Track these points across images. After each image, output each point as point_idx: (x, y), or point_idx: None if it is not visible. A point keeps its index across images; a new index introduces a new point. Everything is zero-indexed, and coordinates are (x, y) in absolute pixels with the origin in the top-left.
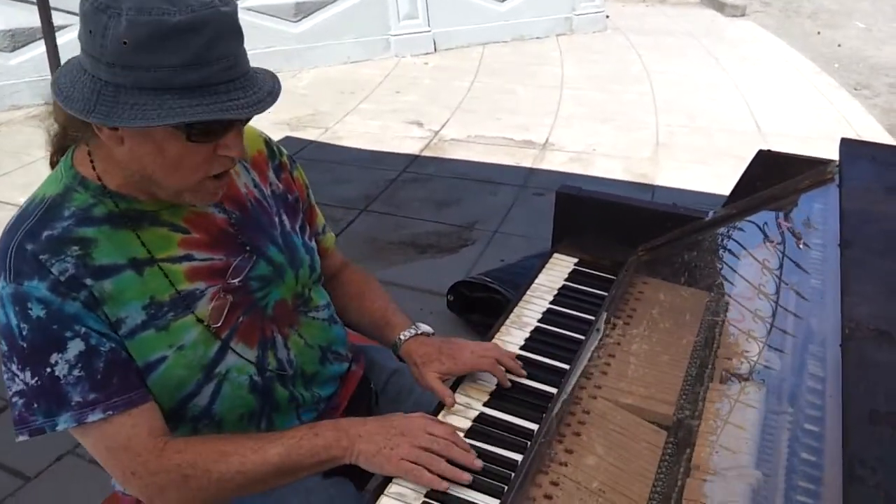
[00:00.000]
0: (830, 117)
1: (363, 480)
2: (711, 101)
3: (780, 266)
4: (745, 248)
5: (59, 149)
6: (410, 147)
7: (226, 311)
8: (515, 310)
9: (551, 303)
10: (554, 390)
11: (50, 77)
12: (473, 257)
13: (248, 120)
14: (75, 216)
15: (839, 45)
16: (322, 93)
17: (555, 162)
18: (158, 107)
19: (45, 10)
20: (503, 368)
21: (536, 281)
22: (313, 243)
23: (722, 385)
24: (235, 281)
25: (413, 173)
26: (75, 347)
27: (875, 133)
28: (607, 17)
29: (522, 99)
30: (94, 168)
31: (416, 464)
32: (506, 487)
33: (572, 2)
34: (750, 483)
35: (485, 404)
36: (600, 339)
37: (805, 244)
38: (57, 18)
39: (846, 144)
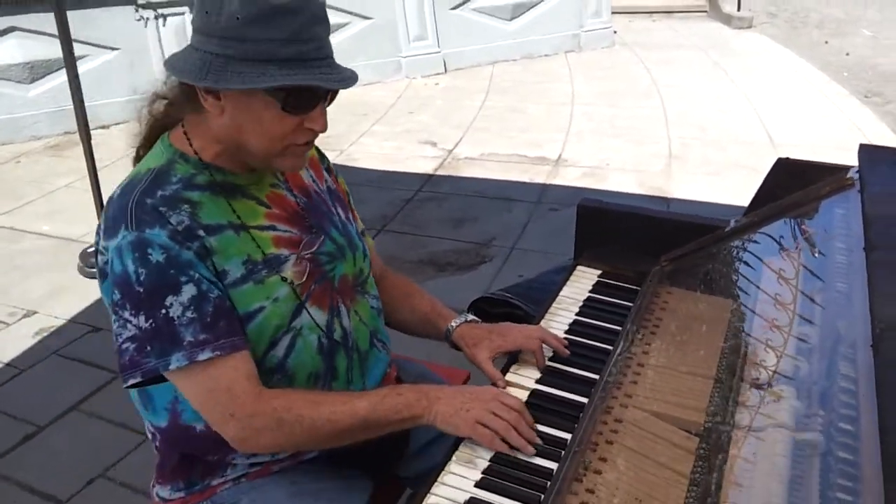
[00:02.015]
0: (842, 126)
1: (380, 476)
2: (722, 112)
3: (805, 272)
4: (767, 256)
5: (149, 138)
6: (425, 167)
7: (307, 273)
8: (543, 322)
9: (577, 314)
10: (585, 400)
11: (69, 107)
12: (492, 274)
13: (331, 99)
14: (181, 181)
15: (847, 54)
16: (335, 115)
17: (568, 177)
18: (262, 74)
19: (66, 42)
20: (543, 351)
21: (562, 293)
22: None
23: (752, 390)
24: (308, 253)
25: (428, 192)
26: (189, 291)
27: (888, 139)
28: (615, 32)
29: (533, 116)
30: (190, 144)
31: (487, 428)
32: (542, 496)
33: (580, 19)
34: (786, 483)
35: None
36: (629, 349)
37: (827, 250)
38: (76, 49)
39: (865, 150)
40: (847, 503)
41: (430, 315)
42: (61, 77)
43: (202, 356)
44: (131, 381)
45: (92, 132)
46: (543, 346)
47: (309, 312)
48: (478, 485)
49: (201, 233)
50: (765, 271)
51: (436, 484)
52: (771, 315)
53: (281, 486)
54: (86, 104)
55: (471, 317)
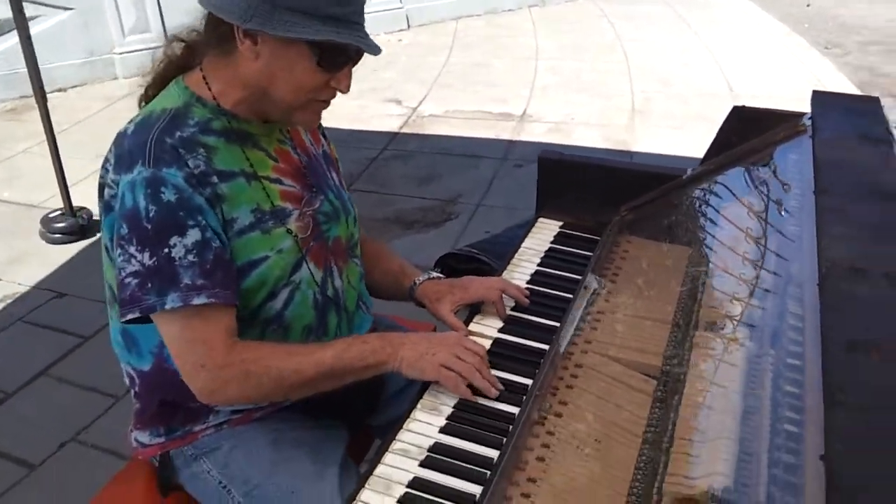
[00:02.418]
0: (802, 77)
1: (357, 426)
2: (684, 66)
3: (758, 217)
4: (723, 203)
5: (162, 79)
6: (390, 125)
7: (310, 228)
8: (504, 273)
9: (539, 265)
10: (546, 347)
11: (23, 70)
12: (458, 230)
13: (355, 64)
14: (199, 125)
15: (808, 6)
16: None
17: (534, 133)
18: (307, 26)
19: (16, 1)
20: (504, 303)
21: (524, 245)
22: None
23: (707, 332)
24: (309, 210)
25: (394, 150)
26: (193, 235)
27: (847, 90)
28: None
29: (498, 72)
30: (209, 89)
31: (452, 370)
32: (504, 439)
33: None
34: (737, 417)
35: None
36: (588, 297)
37: (780, 195)
38: (28, 9)
39: (818, 97)
40: (793, 434)
41: (398, 275)
42: (13, 39)
43: (197, 300)
44: (129, 317)
45: (49, 95)
46: (504, 296)
47: (308, 267)
48: (442, 430)
49: (214, 179)
50: (720, 218)
51: (401, 431)
52: (726, 260)
53: (261, 433)
54: (40, 67)
55: (434, 273)
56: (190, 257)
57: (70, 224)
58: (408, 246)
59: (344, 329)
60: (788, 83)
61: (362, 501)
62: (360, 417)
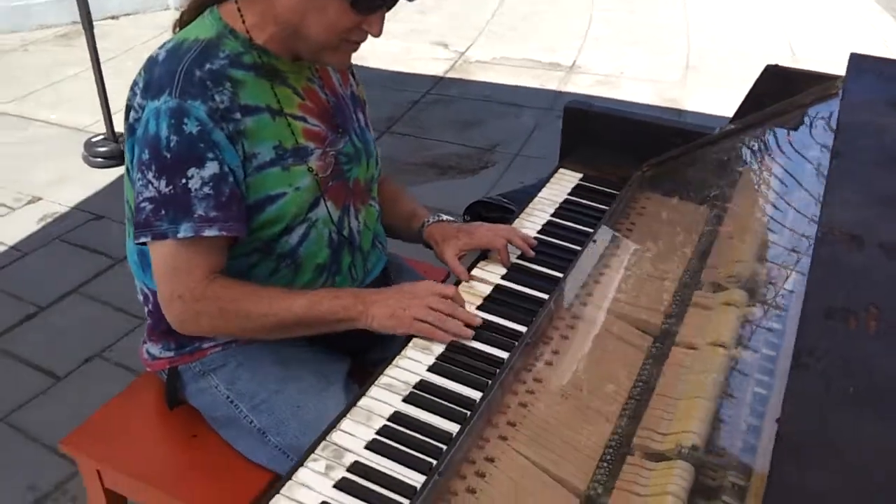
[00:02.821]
0: (871, 42)
1: (357, 357)
2: (746, 25)
3: (778, 179)
4: (745, 163)
5: (197, 7)
6: (435, 69)
7: (331, 167)
8: (516, 222)
9: (552, 215)
10: (546, 296)
11: None
12: (493, 179)
13: (388, 9)
14: (229, 58)
15: None
16: None
17: (581, 85)
18: None
19: None
20: (508, 250)
21: (540, 195)
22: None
23: (708, 293)
24: (332, 150)
25: (436, 95)
26: (212, 168)
27: None
28: None
29: (551, 20)
30: (243, 22)
31: (426, 322)
32: (489, 381)
33: None
34: (718, 378)
35: (478, 307)
36: (597, 250)
37: (802, 158)
38: None
39: (855, 59)
40: (762, 397)
41: (409, 216)
42: None
43: (208, 232)
44: (142, 240)
45: (100, 22)
46: (511, 246)
47: (326, 206)
48: (430, 369)
49: (238, 115)
50: (741, 178)
51: (390, 366)
52: (740, 221)
53: (267, 353)
54: None
55: (444, 216)
56: (206, 189)
57: (111, 149)
58: (440, 191)
59: (358, 268)
60: (856, 48)
61: (343, 430)
62: (361, 351)
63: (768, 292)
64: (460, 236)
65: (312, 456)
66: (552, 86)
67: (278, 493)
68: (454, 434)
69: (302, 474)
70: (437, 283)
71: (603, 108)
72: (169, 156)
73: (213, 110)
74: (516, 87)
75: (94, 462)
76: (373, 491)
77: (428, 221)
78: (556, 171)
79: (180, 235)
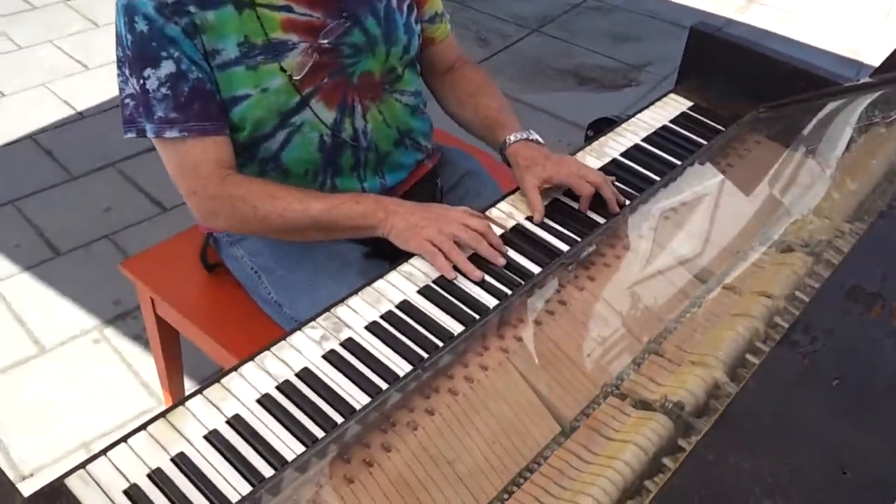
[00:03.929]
0: None
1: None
2: None
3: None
4: (868, 120)
5: None
6: None
7: (308, 67)
8: (602, 139)
9: (643, 140)
10: (603, 220)
11: None
12: (632, 100)
13: None
14: None
15: None
16: None
17: (758, 17)
18: None
19: None
20: (590, 200)
21: (638, 116)
22: (418, 27)
23: (772, 252)
24: (327, 42)
25: (598, 2)
26: (167, 68)
27: None
28: None
29: None
30: None
31: (435, 247)
32: (477, 317)
33: None
34: (735, 341)
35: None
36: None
37: None
38: None
39: None
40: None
41: (493, 120)
42: None
43: (169, 134)
44: (129, 135)
45: None
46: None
47: (313, 109)
48: (420, 292)
49: (192, 8)
50: (861, 138)
51: (416, 257)
52: (839, 186)
53: None
54: None
55: (534, 135)
56: (163, 90)
57: None
58: (574, 102)
59: (368, 170)
60: None
61: (349, 306)
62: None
63: (830, 261)
64: (547, 167)
65: (312, 324)
66: (726, 13)
67: (268, 349)
68: (455, 333)
69: (296, 338)
70: (470, 213)
71: (730, 37)
72: (130, 54)
73: (162, 5)
74: (686, 6)
75: (149, 289)
76: (356, 369)
77: (513, 139)
78: (665, 94)
79: (149, 135)
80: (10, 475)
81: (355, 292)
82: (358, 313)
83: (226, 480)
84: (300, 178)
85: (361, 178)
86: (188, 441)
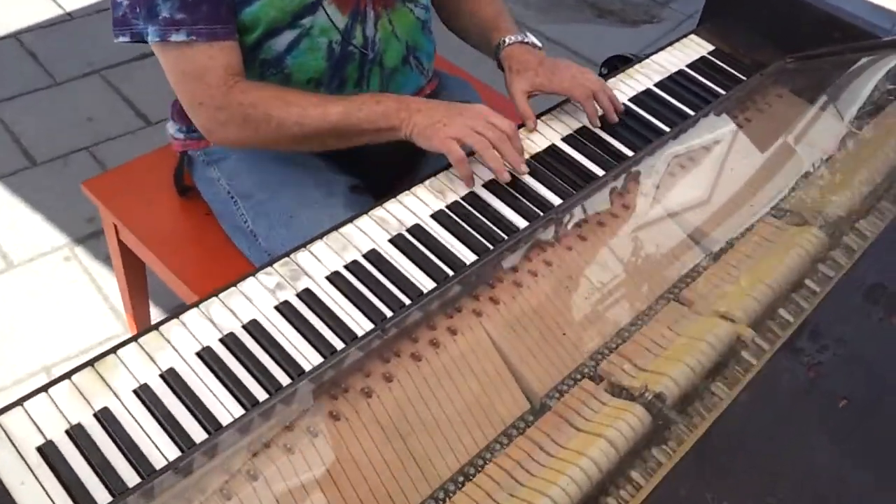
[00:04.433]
0: None
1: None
2: None
3: None
4: None
5: None
6: None
7: None
8: (611, 81)
9: (656, 84)
10: (601, 172)
11: None
12: (651, 37)
13: None
14: None
15: None
16: None
17: None
18: None
19: None
20: (595, 105)
21: (653, 57)
22: None
23: (781, 221)
24: None
25: None
26: None
27: None
28: None
29: None
30: None
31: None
32: (491, 247)
33: None
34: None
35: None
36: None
37: None
38: None
39: None
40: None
41: (489, 23)
42: None
43: (175, 37)
44: (121, 39)
45: None
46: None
47: (326, 11)
48: (434, 215)
49: None
50: (891, 100)
51: (391, 201)
52: (863, 154)
53: (270, 152)
54: None
55: (531, 38)
56: None
57: None
58: (591, 34)
59: (372, 86)
60: None
61: (311, 252)
62: (383, 181)
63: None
64: (539, 72)
65: (268, 269)
66: None
67: (216, 295)
68: (425, 291)
69: (248, 285)
70: (495, 112)
71: None
72: None
73: None
74: None
75: (111, 213)
76: (309, 324)
77: (507, 41)
78: (685, 35)
79: (149, 40)
80: None
81: (320, 237)
82: (320, 261)
83: (152, 442)
84: (301, 87)
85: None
86: (115, 395)
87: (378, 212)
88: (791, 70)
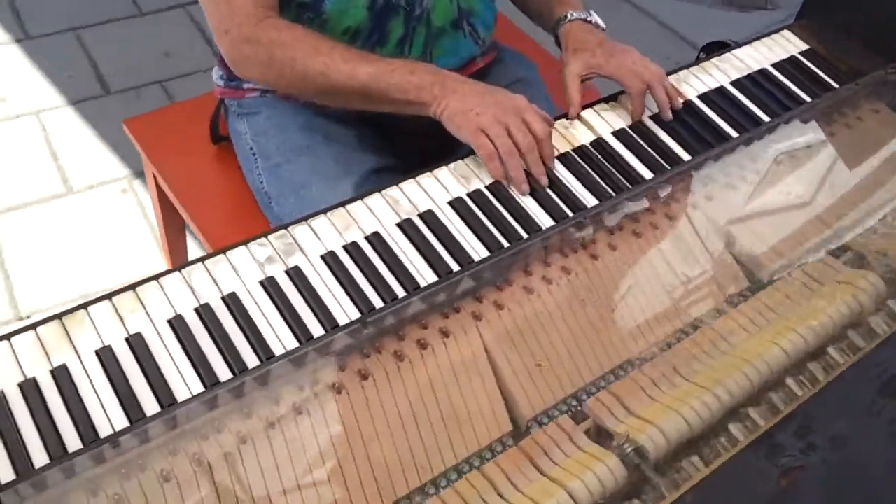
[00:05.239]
0: None
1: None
2: None
3: None
4: None
5: None
6: None
7: None
8: (681, 73)
9: (732, 83)
10: (650, 175)
11: None
12: (760, 25)
13: None
14: None
15: None
16: None
17: None
18: None
19: None
20: (644, 100)
21: (736, 51)
22: None
23: (839, 261)
24: None
25: None
26: None
27: None
28: None
29: None
30: None
31: (490, 141)
32: (508, 244)
33: None
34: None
35: (560, 157)
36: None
37: None
38: None
39: None
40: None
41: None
42: None
43: None
44: None
45: None
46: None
47: None
48: (452, 202)
49: None
50: None
51: (408, 181)
52: None
53: (299, 113)
54: None
55: (595, 17)
56: None
57: None
58: (693, 13)
59: (416, 45)
60: None
61: (311, 226)
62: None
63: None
64: (597, 53)
65: (261, 240)
66: None
67: (201, 261)
68: (423, 285)
69: (237, 254)
70: (533, 108)
71: None
72: None
73: None
74: None
75: (147, 156)
76: (291, 305)
77: (567, 17)
78: (778, 30)
79: None
80: (10, 314)
81: (323, 212)
82: (319, 238)
83: (103, 409)
84: (337, 37)
85: (405, 56)
86: (76, 353)
87: (392, 191)
88: (893, 83)
